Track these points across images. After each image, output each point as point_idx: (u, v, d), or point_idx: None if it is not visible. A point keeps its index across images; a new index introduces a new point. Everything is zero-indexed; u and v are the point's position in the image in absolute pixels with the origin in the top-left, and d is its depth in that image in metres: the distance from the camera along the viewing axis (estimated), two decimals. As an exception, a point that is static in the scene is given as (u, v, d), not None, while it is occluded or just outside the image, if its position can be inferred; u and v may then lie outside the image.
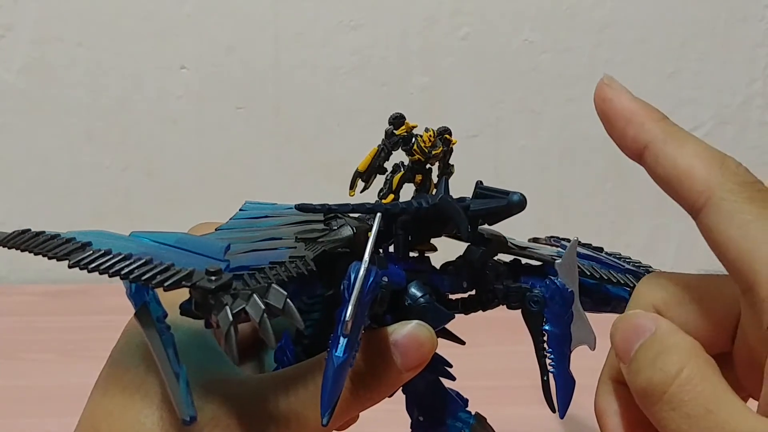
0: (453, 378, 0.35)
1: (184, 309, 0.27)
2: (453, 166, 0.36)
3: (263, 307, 0.24)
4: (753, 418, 0.24)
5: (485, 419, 0.36)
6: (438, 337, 0.32)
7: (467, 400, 0.36)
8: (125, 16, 0.93)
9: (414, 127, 0.35)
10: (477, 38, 0.96)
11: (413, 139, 0.34)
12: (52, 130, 0.95)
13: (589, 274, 0.36)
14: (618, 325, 0.28)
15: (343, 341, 0.27)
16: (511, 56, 0.96)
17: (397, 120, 0.34)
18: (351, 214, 0.34)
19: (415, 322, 0.31)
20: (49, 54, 0.93)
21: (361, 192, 0.36)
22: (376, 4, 0.94)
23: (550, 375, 0.35)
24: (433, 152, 0.34)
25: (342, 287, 0.28)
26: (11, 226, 0.30)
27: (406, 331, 0.31)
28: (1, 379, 0.72)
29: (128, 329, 0.33)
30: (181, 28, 0.93)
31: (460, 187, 0.34)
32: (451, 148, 0.35)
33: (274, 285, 0.26)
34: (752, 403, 0.26)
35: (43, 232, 0.28)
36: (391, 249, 0.34)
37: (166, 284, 0.25)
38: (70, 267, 0.26)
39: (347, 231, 0.33)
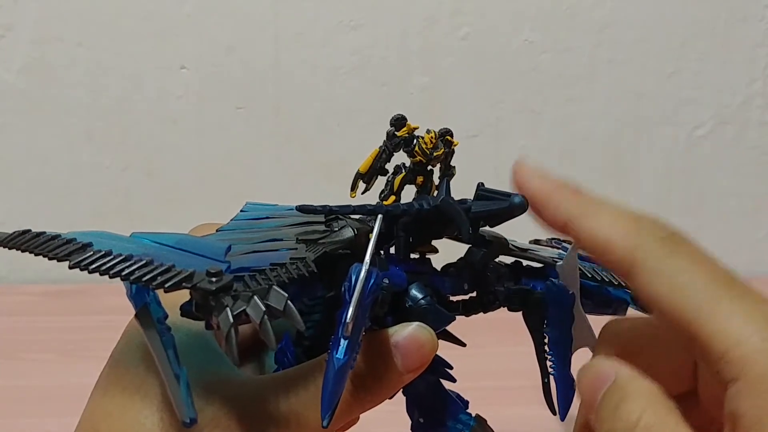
0: (453, 380, 0.35)
1: (185, 310, 0.27)
2: (454, 167, 0.36)
3: (264, 308, 0.24)
4: None
5: (485, 421, 0.36)
6: (439, 338, 0.32)
7: (468, 402, 0.36)
8: (125, 16, 0.93)
9: (415, 128, 0.35)
10: (477, 38, 0.96)
11: (415, 141, 0.34)
12: (52, 130, 0.95)
13: (590, 276, 0.36)
14: (582, 374, 0.29)
15: (343, 343, 0.27)
16: (511, 56, 0.96)
17: (399, 121, 0.34)
18: (352, 216, 0.33)
19: (415, 323, 0.31)
20: (49, 54, 0.93)
21: (363, 193, 0.36)
22: (376, 4, 0.94)
23: (551, 377, 0.35)
24: (435, 154, 0.34)
25: (343, 289, 0.28)
26: (11, 226, 0.30)
27: (407, 333, 0.31)
28: (1, 379, 0.72)
29: (129, 330, 0.33)
30: (181, 28, 0.93)
31: (461, 187, 0.33)
32: (453, 149, 0.35)
33: (274, 286, 0.26)
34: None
35: (44, 232, 0.28)
36: (392, 250, 0.34)
37: (166, 285, 0.25)
38: (70, 268, 0.26)
39: (348, 232, 0.33)
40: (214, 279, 0.25)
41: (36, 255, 0.27)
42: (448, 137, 0.35)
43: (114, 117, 0.95)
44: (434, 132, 0.34)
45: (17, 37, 0.92)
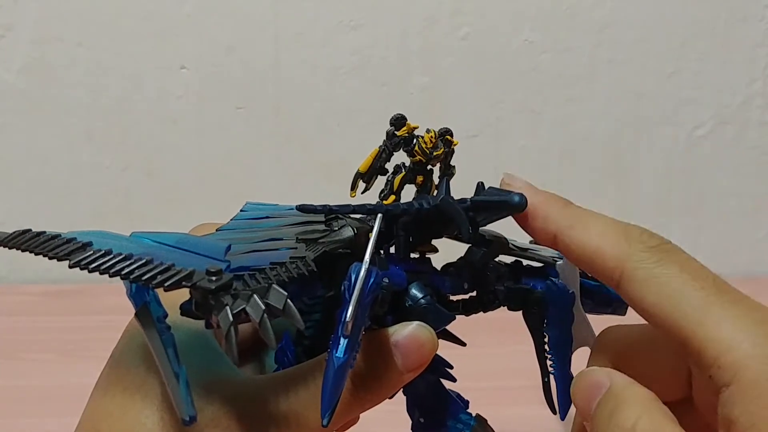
0: (454, 379, 0.35)
1: (185, 309, 0.27)
2: (454, 167, 0.36)
3: (263, 307, 0.24)
4: None
5: (486, 421, 0.36)
6: (439, 338, 0.32)
7: (468, 402, 0.36)
8: (125, 16, 0.93)
9: (415, 128, 0.35)
10: (477, 38, 0.96)
11: (414, 140, 0.34)
12: (52, 130, 0.95)
13: (590, 275, 0.36)
14: (576, 384, 0.29)
15: (343, 342, 0.27)
16: (511, 56, 0.96)
17: (399, 121, 0.34)
18: (352, 215, 0.33)
19: (416, 323, 0.31)
20: (49, 54, 0.93)
21: (362, 193, 0.36)
22: (376, 4, 0.94)
23: (551, 376, 0.35)
24: (435, 153, 0.34)
25: (342, 288, 0.28)
26: (11, 226, 0.30)
27: (407, 332, 0.31)
28: (1, 379, 0.72)
29: (129, 329, 0.33)
30: (181, 28, 0.93)
31: (461, 187, 0.33)
32: (453, 149, 0.35)
33: (274, 285, 0.26)
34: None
35: (44, 232, 0.28)
36: (392, 250, 0.34)
37: (166, 284, 0.25)
38: (70, 267, 0.26)
39: (348, 232, 0.33)
40: (213, 278, 0.25)
41: (36, 254, 0.27)
42: (448, 137, 0.35)
43: (114, 117, 0.95)
44: (434, 132, 0.34)
45: (17, 37, 0.92)
